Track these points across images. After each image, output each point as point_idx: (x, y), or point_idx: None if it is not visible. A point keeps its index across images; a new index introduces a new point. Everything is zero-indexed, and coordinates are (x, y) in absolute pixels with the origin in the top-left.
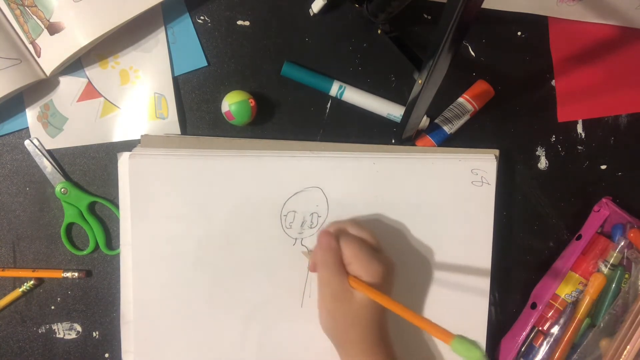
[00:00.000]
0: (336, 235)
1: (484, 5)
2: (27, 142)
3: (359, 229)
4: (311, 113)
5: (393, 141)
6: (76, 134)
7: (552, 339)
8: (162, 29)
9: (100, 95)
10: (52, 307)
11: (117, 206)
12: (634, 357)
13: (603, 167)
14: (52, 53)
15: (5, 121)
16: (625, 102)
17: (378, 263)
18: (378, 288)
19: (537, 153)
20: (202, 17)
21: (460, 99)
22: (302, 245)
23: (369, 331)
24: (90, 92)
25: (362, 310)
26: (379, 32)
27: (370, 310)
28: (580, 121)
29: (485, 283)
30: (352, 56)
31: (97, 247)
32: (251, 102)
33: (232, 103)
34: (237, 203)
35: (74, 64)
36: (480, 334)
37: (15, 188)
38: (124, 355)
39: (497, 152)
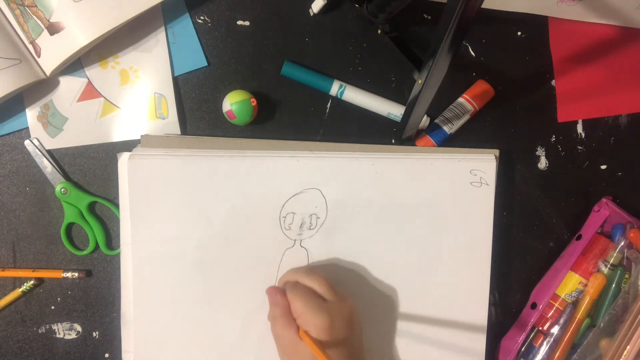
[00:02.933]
0: (284, 288)
1: (484, 5)
2: (27, 142)
3: (310, 278)
4: (311, 113)
5: (393, 141)
6: (76, 134)
7: (552, 339)
8: (162, 29)
9: (100, 95)
10: (52, 307)
11: (117, 206)
12: (634, 357)
13: (603, 167)
14: (52, 53)
15: (5, 121)
16: (625, 102)
17: (322, 314)
18: (327, 338)
19: (537, 153)
20: (202, 17)
21: (460, 99)
22: (302, 246)
23: None
24: (90, 92)
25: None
26: (379, 32)
27: None
28: (580, 121)
29: (485, 283)
30: (352, 56)
31: (97, 247)
32: (253, 101)
33: (234, 102)
34: (236, 204)
35: (74, 64)
36: (480, 334)
37: (15, 188)
38: (124, 355)
39: (497, 152)
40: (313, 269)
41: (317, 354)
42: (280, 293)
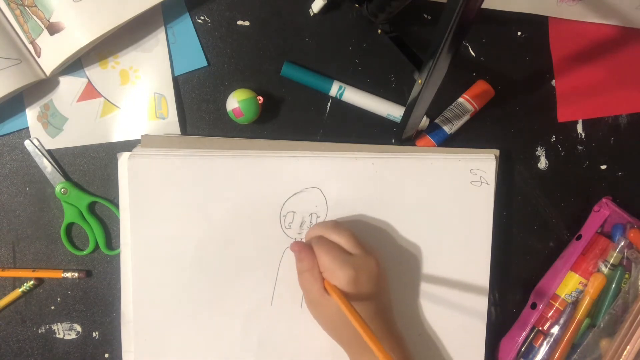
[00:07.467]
0: (310, 242)
1: (484, 5)
2: (27, 142)
3: (337, 232)
4: (311, 113)
5: (393, 141)
6: (76, 134)
7: (552, 339)
8: (162, 29)
9: (100, 95)
10: (52, 307)
11: (117, 206)
12: (634, 357)
13: (603, 167)
14: (52, 53)
15: (5, 121)
16: (625, 102)
17: (348, 268)
18: (352, 292)
19: (537, 153)
20: (202, 17)
21: (460, 99)
22: None
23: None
24: (90, 92)
25: (341, 312)
26: (379, 32)
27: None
28: (580, 121)
29: (485, 283)
30: (352, 56)
31: (97, 247)
32: (259, 99)
33: (242, 100)
34: (236, 203)
35: (74, 64)
36: (480, 334)
37: (15, 188)
38: (124, 356)
39: (497, 152)
40: (339, 223)
41: (343, 305)
42: (306, 248)
